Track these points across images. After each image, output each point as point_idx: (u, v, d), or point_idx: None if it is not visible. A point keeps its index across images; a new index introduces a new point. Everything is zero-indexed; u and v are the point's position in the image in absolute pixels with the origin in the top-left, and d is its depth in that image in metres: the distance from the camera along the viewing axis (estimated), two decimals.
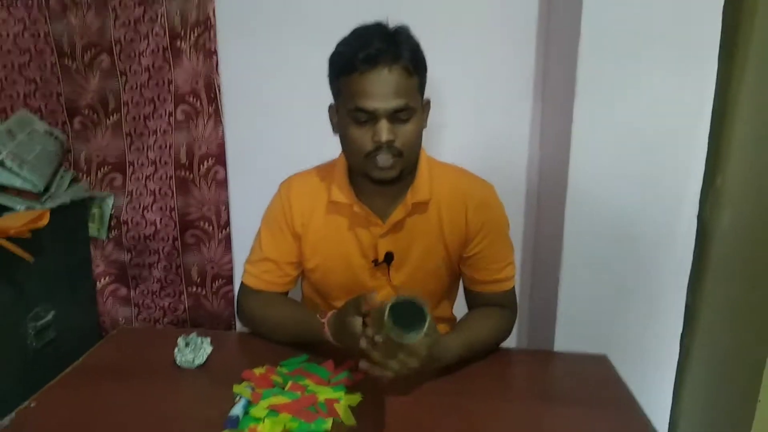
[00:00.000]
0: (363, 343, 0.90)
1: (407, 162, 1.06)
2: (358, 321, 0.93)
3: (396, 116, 1.00)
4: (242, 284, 1.22)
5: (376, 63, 0.98)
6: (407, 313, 0.81)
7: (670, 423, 1.55)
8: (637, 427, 0.92)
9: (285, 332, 1.14)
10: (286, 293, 1.24)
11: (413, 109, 1.02)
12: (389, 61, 0.98)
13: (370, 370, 0.90)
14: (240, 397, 0.93)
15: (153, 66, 1.69)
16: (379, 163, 1.03)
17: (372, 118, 1.00)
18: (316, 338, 1.07)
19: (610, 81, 1.34)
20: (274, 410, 0.91)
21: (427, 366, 0.96)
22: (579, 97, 1.36)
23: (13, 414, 0.91)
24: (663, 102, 1.34)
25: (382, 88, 0.98)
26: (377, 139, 1.00)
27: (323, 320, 1.05)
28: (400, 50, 0.99)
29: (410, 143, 1.03)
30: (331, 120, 1.11)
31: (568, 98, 1.38)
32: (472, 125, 1.69)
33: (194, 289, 1.83)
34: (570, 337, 1.47)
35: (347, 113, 1.02)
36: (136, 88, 1.72)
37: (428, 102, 1.10)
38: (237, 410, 0.89)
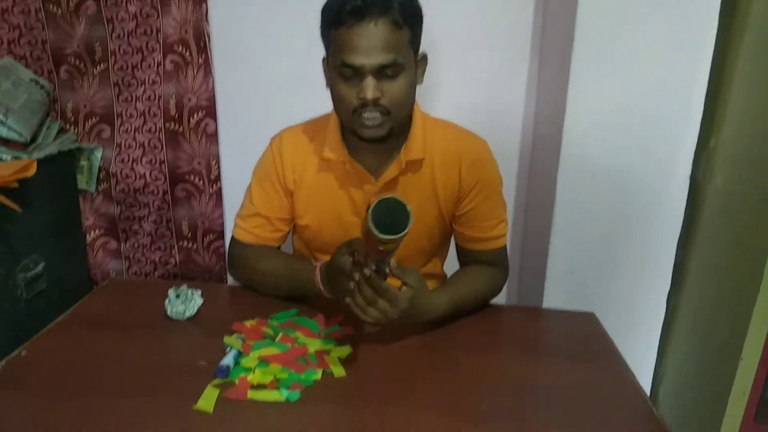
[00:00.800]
0: (350, 285, 0.91)
1: (396, 120, 1.03)
2: (348, 259, 0.94)
3: (383, 72, 0.97)
4: (233, 238, 1.21)
5: (362, 16, 0.94)
6: (394, 218, 0.81)
7: (654, 378, 1.59)
8: (622, 382, 0.94)
9: (277, 283, 1.14)
10: (278, 248, 1.24)
11: (402, 65, 0.98)
12: (376, 14, 0.94)
13: (352, 306, 0.92)
14: (230, 348, 0.94)
15: (140, 13, 1.64)
16: (365, 121, 1.00)
17: (358, 74, 0.97)
18: (307, 287, 1.08)
19: (608, 39, 1.32)
20: (264, 361, 0.92)
21: (409, 318, 0.97)
22: (576, 54, 1.33)
23: (3, 362, 0.91)
24: (661, 61, 1.33)
25: (368, 42, 0.95)
26: (362, 96, 0.97)
27: (316, 264, 1.06)
28: (389, 2, 0.95)
29: (398, 101, 1.00)
30: (324, 73, 1.09)
31: (566, 56, 1.36)
32: (467, 82, 1.66)
33: (185, 243, 1.83)
34: (559, 295, 1.49)
35: (335, 68, 1.00)
36: (124, 36, 1.67)
37: (424, 57, 1.07)
38: (227, 360, 0.90)
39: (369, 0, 0.94)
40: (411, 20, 0.99)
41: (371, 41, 0.95)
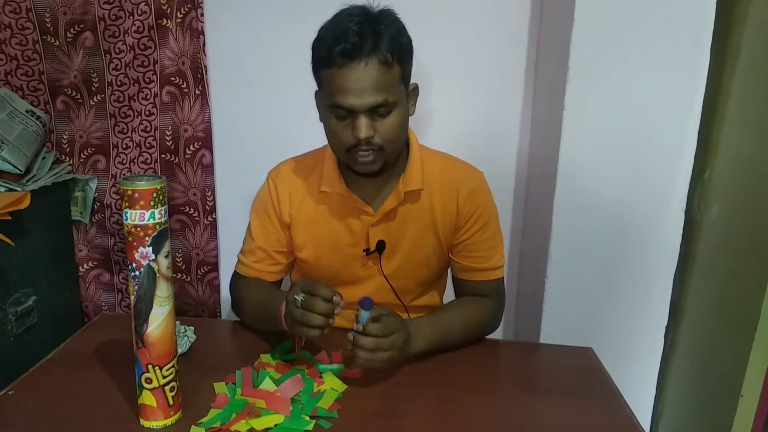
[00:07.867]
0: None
1: (390, 155, 1.04)
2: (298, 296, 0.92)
3: (375, 111, 0.98)
4: (234, 273, 1.22)
5: (352, 57, 0.94)
6: None
7: (653, 415, 1.56)
8: (620, 419, 0.92)
9: (255, 313, 1.13)
10: (279, 281, 1.23)
11: (393, 103, 0.99)
12: (366, 54, 0.94)
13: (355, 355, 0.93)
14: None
15: (138, 45, 1.65)
16: (360, 158, 1.02)
17: (351, 113, 0.98)
18: (274, 317, 1.01)
19: (601, 70, 1.33)
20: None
21: (402, 350, 0.96)
22: (570, 86, 1.35)
23: None
24: (654, 93, 1.34)
25: (359, 83, 0.95)
26: (356, 135, 0.98)
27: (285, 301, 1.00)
28: (379, 42, 0.95)
29: (391, 137, 1.01)
30: (318, 107, 1.09)
31: (560, 87, 1.37)
32: (462, 112, 1.67)
33: (179, 275, 1.81)
34: (556, 329, 1.48)
35: (327, 107, 1.01)
36: (121, 68, 1.68)
37: (415, 88, 1.08)
38: None
39: (358, 41, 0.94)
40: (401, 57, 0.99)
41: (362, 82, 0.95)
